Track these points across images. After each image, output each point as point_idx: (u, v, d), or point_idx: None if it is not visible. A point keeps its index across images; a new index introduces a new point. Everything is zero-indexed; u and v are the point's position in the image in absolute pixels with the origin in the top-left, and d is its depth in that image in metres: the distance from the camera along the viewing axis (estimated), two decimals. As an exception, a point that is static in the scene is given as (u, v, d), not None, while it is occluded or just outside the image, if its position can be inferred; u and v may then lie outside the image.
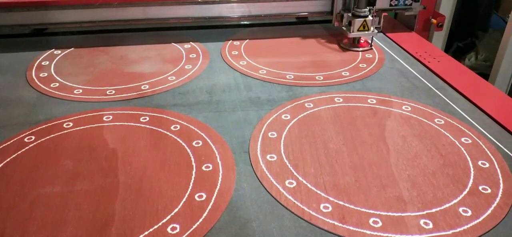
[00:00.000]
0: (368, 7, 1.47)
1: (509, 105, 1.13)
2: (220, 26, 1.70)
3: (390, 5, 1.61)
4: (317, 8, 1.62)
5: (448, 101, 1.15)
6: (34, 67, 1.33)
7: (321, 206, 0.78)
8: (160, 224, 0.74)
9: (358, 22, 1.47)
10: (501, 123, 1.04)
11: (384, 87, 1.23)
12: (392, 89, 1.22)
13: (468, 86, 1.21)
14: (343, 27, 1.53)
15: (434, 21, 1.67)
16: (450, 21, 2.48)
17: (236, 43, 1.53)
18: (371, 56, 1.44)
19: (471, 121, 1.06)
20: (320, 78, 1.27)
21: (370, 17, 1.47)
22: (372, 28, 1.49)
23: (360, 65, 1.37)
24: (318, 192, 0.82)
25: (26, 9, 1.45)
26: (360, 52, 1.46)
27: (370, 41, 1.53)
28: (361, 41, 1.53)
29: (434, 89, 1.22)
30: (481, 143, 0.97)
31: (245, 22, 1.72)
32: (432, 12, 1.68)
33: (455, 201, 0.80)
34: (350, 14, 1.50)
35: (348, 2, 1.52)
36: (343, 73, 1.31)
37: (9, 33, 1.59)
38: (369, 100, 1.15)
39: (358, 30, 1.48)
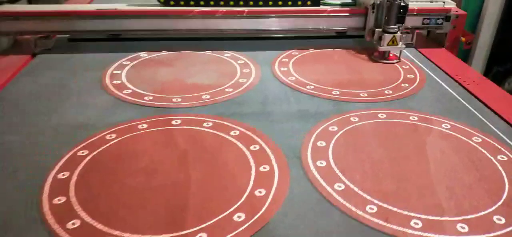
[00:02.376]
0: (397, 25, 1.63)
1: (546, 128, 1.20)
2: (269, 38, 1.91)
3: (423, 23, 1.79)
4: (352, 24, 1.81)
5: (486, 121, 1.23)
6: (108, 75, 1.51)
7: (367, 207, 0.89)
8: (228, 212, 0.87)
9: (387, 37, 1.63)
10: (537, 144, 1.11)
11: (425, 106, 1.32)
12: (432, 108, 1.31)
13: (505, 108, 1.28)
14: (374, 41, 1.69)
15: (463, 39, 1.81)
16: (490, 46, 2.52)
17: (285, 60, 1.66)
18: (412, 76, 1.53)
19: (508, 141, 1.13)
20: (364, 95, 1.38)
21: (399, 33, 1.62)
22: (400, 43, 1.64)
23: (402, 84, 1.47)
24: (364, 195, 0.92)
25: (104, 18, 1.71)
26: (402, 72, 1.56)
27: (398, 55, 1.67)
28: (390, 54, 1.68)
29: (473, 110, 1.30)
30: (516, 161, 1.04)
31: (291, 35, 1.92)
32: (461, 31, 1.81)
33: (490, 210, 0.88)
34: (380, 30, 1.66)
35: (379, 19, 1.69)
36: (386, 92, 1.41)
37: (88, 38, 1.83)
38: (410, 118, 1.24)
39: (388, 45, 1.64)
